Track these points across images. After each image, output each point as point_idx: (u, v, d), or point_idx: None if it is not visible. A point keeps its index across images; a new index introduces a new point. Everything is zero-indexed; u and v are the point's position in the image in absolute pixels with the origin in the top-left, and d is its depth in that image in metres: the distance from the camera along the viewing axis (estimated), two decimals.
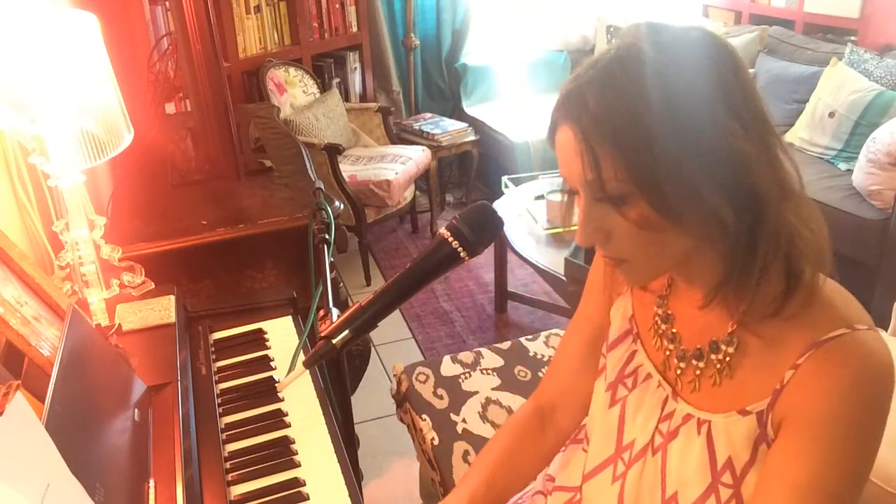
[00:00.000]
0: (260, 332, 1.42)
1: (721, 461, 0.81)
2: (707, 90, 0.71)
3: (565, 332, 1.11)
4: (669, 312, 0.90)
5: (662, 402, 0.89)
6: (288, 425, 1.17)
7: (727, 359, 0.81)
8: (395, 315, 3.05)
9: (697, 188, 0.70)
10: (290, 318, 1.47)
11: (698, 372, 0.85)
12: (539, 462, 1.09)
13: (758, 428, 0.78)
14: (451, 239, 0.90)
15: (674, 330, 0.88)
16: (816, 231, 0.77)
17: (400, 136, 3.98)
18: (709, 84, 0.71)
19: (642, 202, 0.71)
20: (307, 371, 1.02)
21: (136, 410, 1.05)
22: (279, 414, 1.19)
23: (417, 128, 3.99)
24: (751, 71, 3.71)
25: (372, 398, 2.51)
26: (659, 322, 0.90)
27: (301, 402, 1.22)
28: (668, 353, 0.89)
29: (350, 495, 1.04)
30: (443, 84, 4.52)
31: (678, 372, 0.87)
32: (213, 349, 1.35)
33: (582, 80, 0.73)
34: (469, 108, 4.39)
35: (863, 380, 0.73)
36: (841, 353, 0.74)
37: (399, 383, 1.83)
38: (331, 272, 1.42)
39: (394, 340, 3.02)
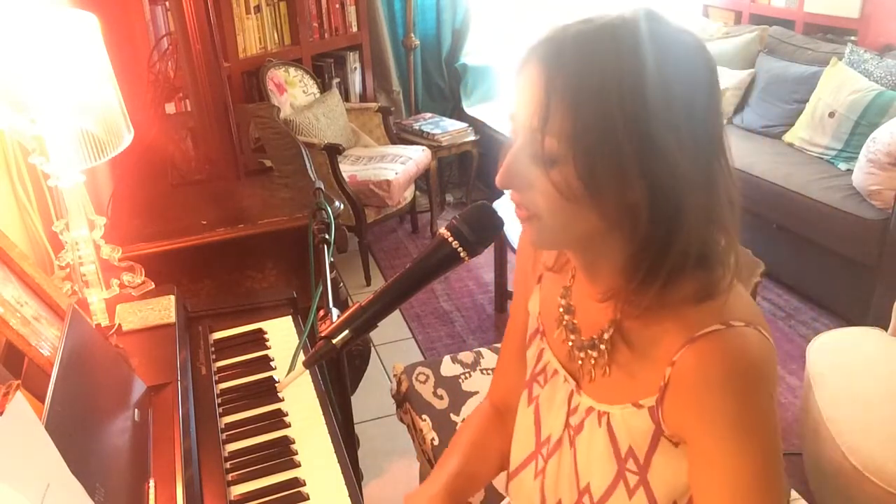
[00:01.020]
0: (260, 332, 1.42)
1: (623, 450, 0.83)
2: (677, 96, 0.71)
3: (504, 336, 1.12)
4: (571, 304, 0.91)
5: (569, 396, 0.91)
6: (288, 425, 1.17)
7: (606, 348, 0.84)
8: (395, 315, 3.05)
9: (627, 176, 0.71)
10: (290, 318, 1.47)
11: (592, 362, 0.86)
12: (503, 454, 1.10)
13: (652, 424, 0.80)
14: (451, 239, 0.90)
15: (575, 321, 0.90)
16: (727, 258, 0.77)
17: (400, 136, 3.98)
18: (681, 91, 0.71)
19: (570, 167, 0.71)
20: (307, 371, 1.01)
21: (136, 410, 1.05)
22: (279, 414, 1.19)
23: (417, 128, 3.99)
24: (751, 71, 3.74)
25: (372, 398, 2.51)
26: (563, 313, 0.92)
27: (301, 402, 1.22)
28: (570, 343, 0.90)
29: (350, 495, 1.04)
30: (443, 84, 4.52)
31: (579, 363, 0.89)
32: (213, 349, 1.35)
33: (569, 32, 0.73)
34: (469, 108, 4.39)
35: (731, 374, 0.73)
36: (710, 349, 0.74)
37: (399, 383, 1.83)
38: (331, 272, 1.42)
39: (394, 340, 3.02)
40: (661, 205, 0.72)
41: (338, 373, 1.38)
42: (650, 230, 0.73)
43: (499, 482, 1.49)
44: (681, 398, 0.77)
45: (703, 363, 0.74)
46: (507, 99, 0.80)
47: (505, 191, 0.84)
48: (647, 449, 0.81)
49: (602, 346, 0.84)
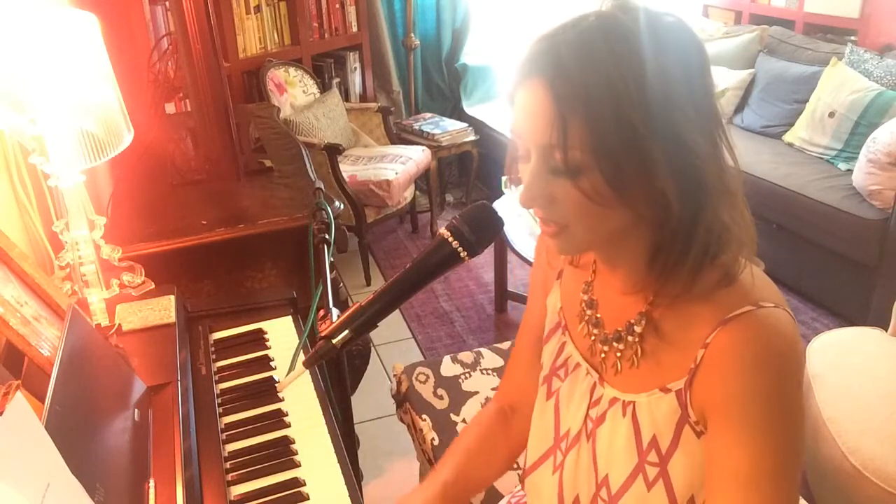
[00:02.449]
0: (260, 332, 1.42)
1: (646, 440, 0.83)
2: (675, 76, 0.72)
3: (518, 331, 1.12)
4: (594, 298, 0.91)
5: (591, 388, 0.91)
6: (288, 425, 1.17)
7: (638, 340, 0.84)
8: (395, 315, 3.05)
9: (652, 168, 0.71)
10: (290, 318, 1.47)
11: (619, 354, 0.87)
12: (505, 458, 1.11)
13: (679, 408, 0.80)
14: (451, 239, 0.90)
15: (598, 315, 0.90)
16: (744, 226, 0.78)
17: (400, 136, 3.98)
18: (677, 71, 0.72)
19: (597, 174, 0.72)
20: (307, 371, 1.02)
21: (136, 410, 1.05)
22: (279, 414, 1.19)
23: (417, 128, 3.99)
24: (750, 71, 3.74)
25: (372, 398, 2.51)
26: (584, 308, 0.92)
27: (301, 402, 1.22)
28: (593, 338, 0.91)
29: (350, 495, 1.04)
30: (443, 84, 4.52)
31: (602, 356, 0.89)
32: (213, 349, 1.35)
33: (558, 40, 0.72)
34: (469, 108, 4.39)
35: (767, 354, 0.74)
36: (744, 329, 0.75)
37: (399, 383, 1.83)
38: (331, 272, 1.42)
39: (394, 340, 3.02)
40: (687, 184, 0.73)
41: (338, 373, 1.38)
42: (680, 212, 0.74)
43: (499, 482, 1.49)
44: (713, 378, 0.77)
45: (738, 343, 0.75)
46: (508, 116, 0.81)
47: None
48: (670, 438, 0.81)
49: (630, 338, 0.85)
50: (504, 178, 3.21)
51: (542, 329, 1.03)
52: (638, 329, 0.84)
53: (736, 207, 0.78)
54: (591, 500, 0.90)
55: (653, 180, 0.72)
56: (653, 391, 0.83)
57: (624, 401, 0.86)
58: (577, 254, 0.92)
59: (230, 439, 1.14)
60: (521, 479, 1.05)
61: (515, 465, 1.53)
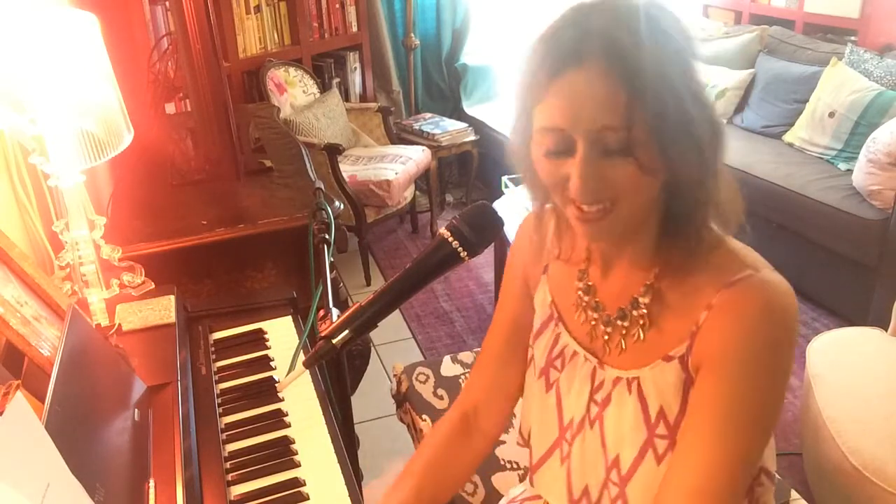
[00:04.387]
0: (260, 332, 1.42)
1: (654, 413, 0.85)
2: (692, 51, 0.77)
3: (487, 332, 1.11)
4: (591, 284, 0.93)
5: (591, 374, 0.92)
6: (288, 425, 1.17)
7: (646, 311, 0.86)
8: (395, 315, 3.05)
9: (694, 136, 0.75)
10: (290, 318, 1.47)
11: (624, 332, 0.88)
12: (467, 468, 1.11)
13: (682, 373, 0.83)
14: (451, 239, 0.90)
15: (597, 299, 0.92)
16: (732, 199, 0.83)
17: (400, 136, 3.98)
18: (689, 52, 0.77)
19: (653, 146, 0.73)
20: (307, 371, 1.02)
21: (136, 410, 1.05)
22: (279, 414, 1.19)
23: (417, 128, 3.99)
24: (751, 71, 3.73)
25: (372, 398, 2.51)
26: (582, 295, 0.93)
27: (301, 402, 1.22)
28: (593, 322, 0.92)
29: (350, 495, 1.04)
30: (443, 84, 4.52)
31: (605, 338, 0.90)
32: (213, 349, 1.35)
33: (601, 24, 0.73)
34: (469, 108, 4.39)
35: (769, 310, 0.78)
36: (748, 290, 0.79)
37: (399, 383, 1.83)
38: (331, 272, 1.42)
39: (394, 340, 3.02)
40: (705, 146, 0.77)
41: (338, 373, 1.38)
42: (698, 172, 0.77)
43: (498, 480, 1.49)
44: (713, 334, 0.80)
45: (741, 301, 0.79)
46: (548, 108, 0.75)
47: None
48: (678, 406, 0.83)
49: (635, 313, 0.87)
50: (504, 178, 3.21)
51: (520, 323, 1.03)
52: (644, 300, 0.86)
53: (723, 180, 0.81)
54: (601, 486, 0.90)
55: (694, 146, 0.75)
56: (655, 363, 0.84)
57: (628, 378, 0.87)
58: (618, 237, 0.84)
59: (230, 439, 1.14)
60: (529, 477, 1.04)
61: (514, 466, 1.52)
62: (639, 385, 0.86)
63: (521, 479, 1.47)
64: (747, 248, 0.84)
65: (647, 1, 0.76)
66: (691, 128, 0.75)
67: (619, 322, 0.88)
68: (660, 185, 0.78)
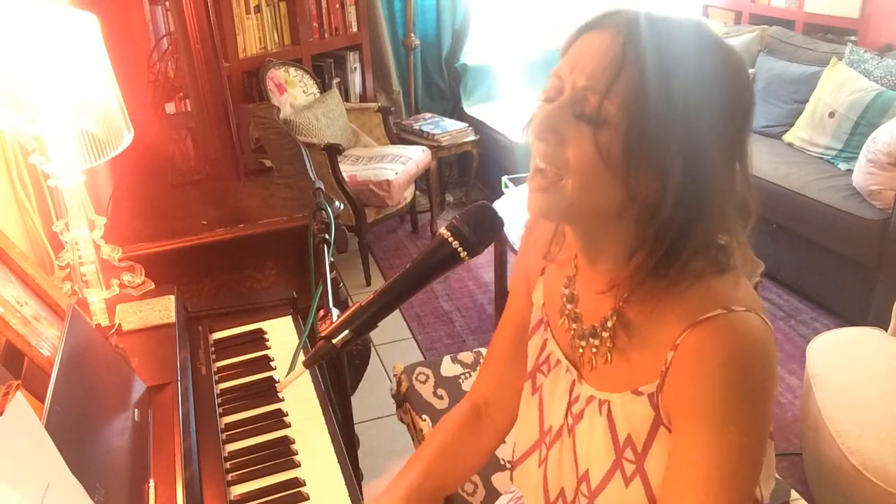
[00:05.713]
0: (260, 332, 1.42)
1: (622, 438, 0.84)
2: (724, 93, 0.75)
3: (496, 330, 1.11)
4: (574, 293, 0.92)
5: (570, 386, 0.92)
6: (288, 425, 1.17)
7: (608, 336, 0.84)
8: (395, 315, 3.05)
9: (668, 154, 0.73)
10: (290, 318, 1.47)
11: (594, 350, 0.87)
12: (476, 458, 1.11)
13: (652, 411, 0.80)
14: (451, 239, 0.90)
15: (577, 310, 0.91)
16: (734, 242, 0.80)
17: (400, 136, 3.98)
18: (727, 90, 0.75)
19: (619, 133, 0.72)
20: (307, 371, 1.01)
21: (136, 410, 1.05)
22: (279, 414, 1.19)
23: (417, 128, 3.99)
24: (751, 71, 3.73)
25: (372, 398, 2.51)
26: (565, 303, 0.93)
27: (301, 402, 1.22)
28: (572, 332, 0.91)
29: (350, 495, 1.04)
30: (443, 84, 4.52)
31: (580, 351, 0.90)
32: (213, 349, 1.35)
33: (641, 13, 0.75)
34: (469, 108, 4.39)
35: (733, 357, 0.74)
36: (712, 332, 0.75)
37: (399, 383, 1.83)
38: (331, 272, 1.42)
39: (394, 340, 3.02)
40: (690, 191, 0.73)
41: (338, 373, 1.38)
42: (671, 216, 0.74)
43: (498, 480, 1.49)
44: (679, 381, 0.77)
45: (703, 346, 0.75)
46: (562, 59, 0.80)
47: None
48: (645, 437, 0.82)
49: (604, 334, 0.85)
50: (504, 178, 3.21)
51: (524, 322, 1.04)
52: (609, 324, 0.84)
53: (734, 234, 0.78)
54: (573, 493, 0.91)
55: (663, 167, 0.73)
56: (625, 393, 0.83)
57: (600, 399, 0.86)
58: (559, 219, 0.88)
59: (230, 439, 1.14)
60: (510, 472, 1.05)
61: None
62: (609, 409, 0.85)
63: (511, 472, 1.47)
64: (734, 279, 0.79)
65: (718, 43, 0.76)
66: (670, 157, 0.72)
67: (590, 339, 0.88)
68: (614, 195, 0.75)
